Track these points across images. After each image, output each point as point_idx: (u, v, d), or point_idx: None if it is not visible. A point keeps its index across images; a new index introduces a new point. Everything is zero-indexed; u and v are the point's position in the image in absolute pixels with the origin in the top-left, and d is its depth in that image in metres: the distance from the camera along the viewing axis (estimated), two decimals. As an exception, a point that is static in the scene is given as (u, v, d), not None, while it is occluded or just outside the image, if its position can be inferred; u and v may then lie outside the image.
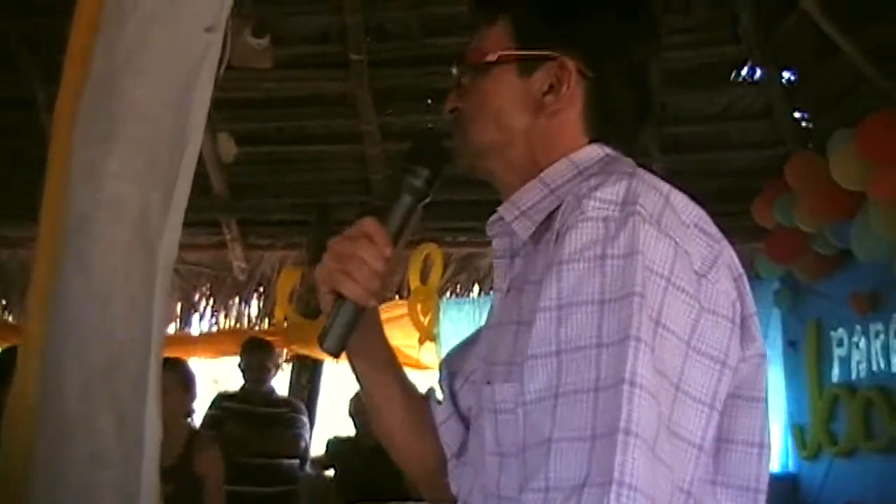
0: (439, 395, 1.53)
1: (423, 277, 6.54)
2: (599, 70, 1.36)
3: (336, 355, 1.41)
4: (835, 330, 6.57)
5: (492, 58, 1.38)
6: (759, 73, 7.06)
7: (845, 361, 6.48)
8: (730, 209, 7.10)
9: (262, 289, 7.92)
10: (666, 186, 1.24)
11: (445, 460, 1.49)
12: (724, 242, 1.26)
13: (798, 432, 6.97)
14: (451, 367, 1.51)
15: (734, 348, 1.20)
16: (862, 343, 6.26)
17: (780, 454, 7.30)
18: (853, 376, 6.39)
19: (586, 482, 1.06)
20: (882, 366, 6.06)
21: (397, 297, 7.50)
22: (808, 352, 6.82)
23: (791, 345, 7.12)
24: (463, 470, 1.42)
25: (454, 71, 1.44)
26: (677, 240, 1.18)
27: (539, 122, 1.36)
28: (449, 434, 1.47)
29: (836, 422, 6.57)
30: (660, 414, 1.10)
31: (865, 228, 5.35)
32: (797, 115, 7.15)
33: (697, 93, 7.14)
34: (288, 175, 7.52)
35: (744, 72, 7.16)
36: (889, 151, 4.90)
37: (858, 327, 6.28)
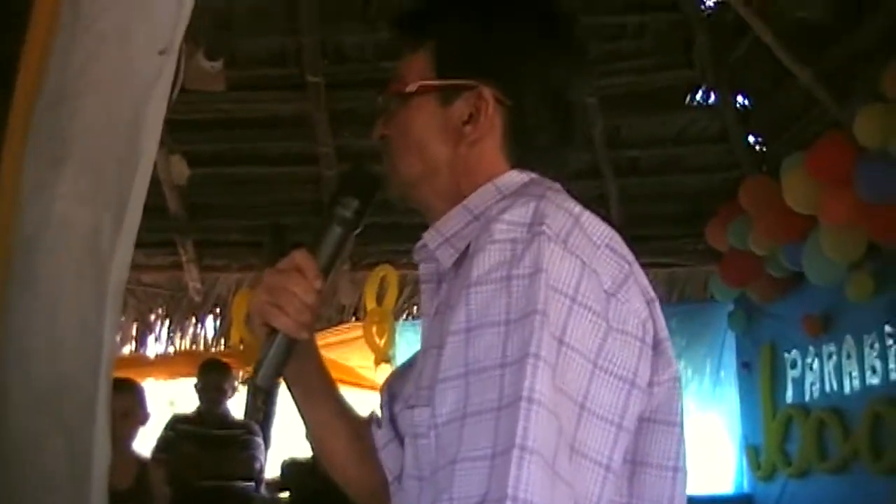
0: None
1: (379, 299, 6.53)
2: (517, 97, 1.36)
3: (268, 390, 1.42)
4: (788, 352, 6.65)
5: (412, 88, 1.39)
6: (713, 97, 7.14)
7: (799, 383, 6.55)
8: (684, 232, 7.20)
9: (217, 310, 7.86)
10: (577, 208, 1.24)
11: (387, 483, 1.49)
12: (636, 266, 1.26)
13: (753, 453, 7.03)
14: (391, 390, 1.50)
15: (644, 368, 1.20)
16: (815, 364, 6.34)
17: (735, 475, 7.35)
18: (807, 397, 6.46)
19: (484, 499, 1.07)
20: (835, 387, 6.14)
21: (354, 318, 7.49)
22: (762, 373, 6.89)
23: (745, 366, 7.19)
24: (403, 494, 1.42)
25: (379, 99, 1.45)
26: (585, 259, 1.18)
27: (460, 151, 1.36)
28: (390, 458, 1.45)
29: (790, 442, 6.63)
30: (559, 431, 1.10)
31: (817, 251, 5.41)
32: (751, 138, 7.24)
33: (651, 116, 7.22)
34: (244, 197, 7.48)
35: (698, 96, 7.24)
36: (838, 174, 4.96)
37: (811, 349, 6.36)
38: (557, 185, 1.34)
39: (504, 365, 1.11)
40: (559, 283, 1.15)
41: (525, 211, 1.20)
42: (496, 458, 1.08)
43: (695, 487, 7.40)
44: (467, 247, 1.28)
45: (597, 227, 1.23)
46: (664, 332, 1.25)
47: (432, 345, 1.26)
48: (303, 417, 1.56)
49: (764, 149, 7.22)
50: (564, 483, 1.10)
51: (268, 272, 1.41)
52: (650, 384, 1.21)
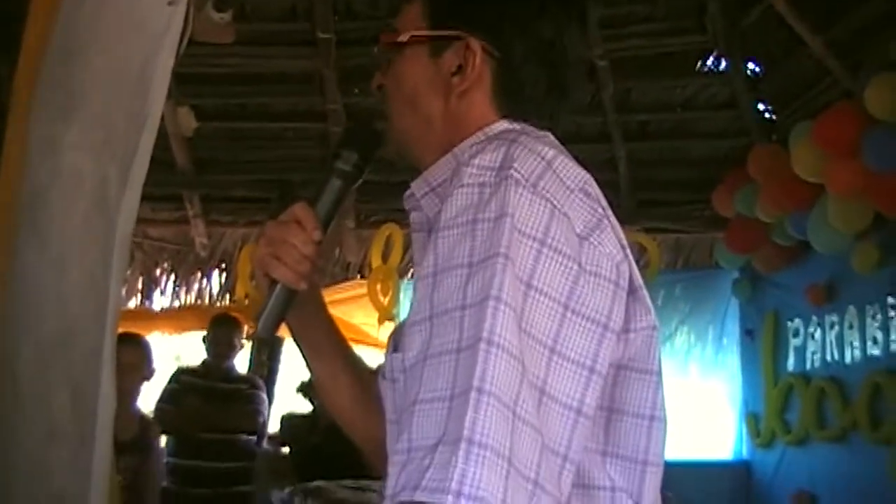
0: None
1: (385, 257, 6.54)
2: (506, 49, 1.36)
3: (269, 340, 1.43)
4: (791, 320, 6.65)
5: (403, 38, 1.40)
6: (724, 63, 7.10)
7: (800, 351, 6.56)
8: (691, 198, 7.19)
9: (223, 265, 7.88)
10: (550, 151, 1.24)
11: None
12: (610, 211, 1.26)
13: (752, 420, 7.06)
14: (394, 341, 1.50)
15: (618, 311, 1.20)
16: (817, 334, 6.35)
17: (734, 441, 7.39)
18: (808, 366, 6.48)
19: (440, 441, 1.06)
20: (836, 356, 6.15)
21: (359, 276, 7.50)
22: (764, 341, 6.90)
23: (748, 334, 7.20)
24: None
25: (375, 50, 1.46)
26: (556, 202, 1.18)
27: (451, 103, 1.37)
28: None
29: (790, 411, 6.65)
30: (522, 374, 1.09)
31: (823, 220, 5.41)
32: (761, 106, 7.20)
33: (662, 81, 7.17)
34: (252, 152, 7.48)
35: (709, 62, 7.20)
36: (846, 144, 4.95)
37: (814, 318, 6.37)
38: (538, 132, 1.34)
39: (464, 307, 1.11)
40: (526, 227, 1.15)
41: (495, 155, 1.20)
42: (454, 399, 1.07)
43: (694, 453, 7.47)
44: None
45: (570, 171, 1.23)
46: (640, 280, 1.25)
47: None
48: (310, 369, 1.58)
49: (774, 117, 7.19)
50: (530, 427, 1.09)
51: (268, 224, 1.43)
52: (626, 330, 1.21)
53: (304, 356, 1.57)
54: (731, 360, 7.46)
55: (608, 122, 7.09)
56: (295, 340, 1.55)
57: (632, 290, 1.23)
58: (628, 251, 1.25)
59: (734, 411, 7.41)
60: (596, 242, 1.19)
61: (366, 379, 1.56)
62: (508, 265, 1.12)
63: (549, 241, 1.16)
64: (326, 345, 1.56)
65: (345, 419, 1.60)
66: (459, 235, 1.16)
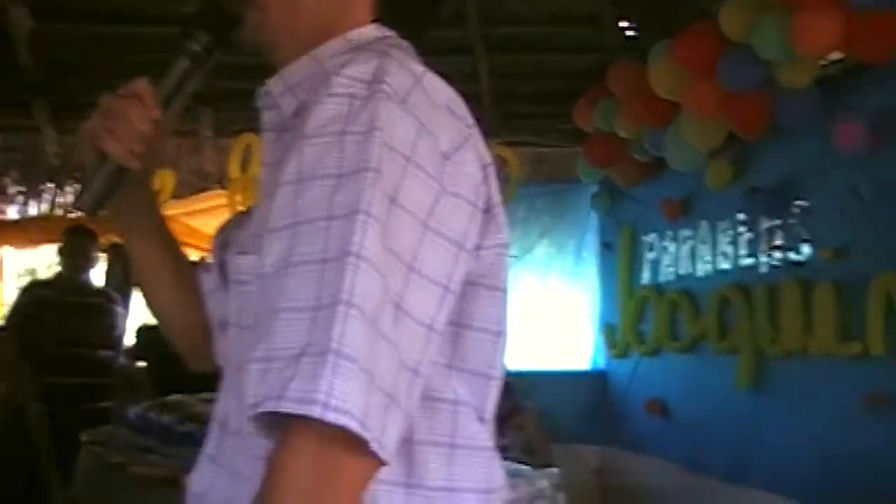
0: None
1: (244, 167, 6.43)
2: None
3: (90, 212, 1.38)
4: (647, 234, 6.83)
5: None
6: (588, -22, 7.11)
7: (655, 265, 6.75)
8: (553, 112, 7.24)
9: (77, 175, 7.63)
10: (420, 68, 1.22)
11: (210, 331, 1.49)
12: (475, 129, 1.25)
13: (609, 332, 7.26)
14: (223, 236, 1.48)
15: (473, 232, 1.21)
16: (671, 248, 6.53)
17: (591, 352, 7.59)
18: (661, 279, 6.67)
19: (304, 352, 1.05)
20: (688, 270, 6.34)
21: (218, 186, 7.37)
22: (621, 255, 7.07)
23: (607, 247, 7.36)
24: (226, 342, 1.41)
25: None
26: (423, 120, 1.17)
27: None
28: (216, 305, 1.45)
29: (644, 322, 6.86)
30: (385, 289, 1.09)
31: (679, 137, 5.52)
32: (623, 23, 7.26)
33: (527, -6, 7.16)
34: (106, 57, 7.20)
35: (574, -24, 7.20)
36: (703, 63, 5.03)
37: (669, 233, 6.54)
38: (405, 44, 1.33)
39: (331, 218, 1.10)
40: (395, 142, 1.13)
41: (367, 67, 1.18)
42: (319, 311, 1.06)
43: (552, 363, 7.65)
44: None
45: (438, 88, 1.22)
46: (497, 198, 1.25)
47: (267, 193, 1.24)
48: (134, 260, 1.55)
49: (636, 34, 7.26)
50: (388, 342, 1.09)
51: (105, 97, 1.38)
52: (477, 247, 1.22)
53: (125, 239, 1.54)
54: (591, 273, 7.63)
55: (470, 35, 7.05)
56: (119, 226, 1.52)
57: (487, 209, 1.23)
58: (490, 169, 1.24)
59: (592, 323, 7.60)
60: (459, 162, 1.19)
61: (186, 269, 1.55)
62: (378, 180, 1.11)
63: (415, 158, 1.14)
64: (149, 229, 1.54)
65: (163, 309, 1.59)
66: (327, 145, 1.13)
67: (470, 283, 1.23)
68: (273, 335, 1.07)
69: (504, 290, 1.28)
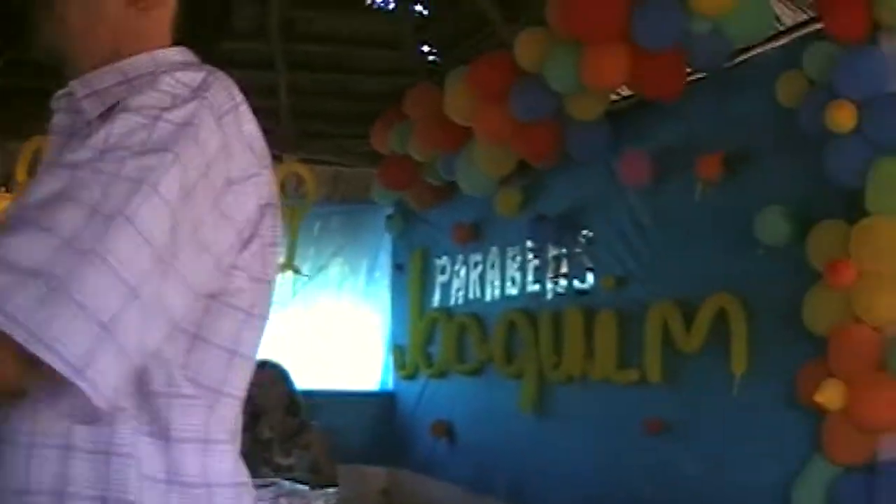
0: None
1: (31, 171, 6.20)
2: None
3: None
4: (439, 257, 6.88)
5: None
6: (392, 3, 7.16)
7: (446, 288, 6.81)
8: (352, 132, 7.24)
9: None
10: (240, 97, 1.27)
11: None
12: (267, 171, 1.29)
13: (398, 353, 7.27)
14: None
15: (232, 254, 1.24)
16: (462, 271, 6.60)
17: (381, 373, 7.59)
18: (451, 302, 6.73)
19: (42, 274, 1.05)
20: (477, 294, 6.42)
21: (3, 189, 7.07)
22: (412, 277, 7.10)
23: (399, 268, 7.39)
24: None
25: None
26: (227, 142, 1.22)
27: (130, 12, 1.32)
28: None
29: (433, 344, 6.90)
30: (151, 264, 1.11)
31: (471, 163, 5.59)
32: (426, 48, 7.34)
33: (330, 13, 7.12)
34: None
35: (378, 0, 7.24)
36: (496, 91, 5.12)
37: (460, 256, 6.61)
38: (222, 74, 1.34)
39: (117, 176, 1.12)
40: (201, 145, 1.18)
41: (196, 76, 1.23)
42: (72, 247, 1.07)
43: (343, 383, 7.57)
44: (112, 106, 1.24)
45: (247, 121, 1.27)
46: (272, 238, 1.30)
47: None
48: None
49: (438, 60, 7.34)
50: (140, 311, 1.10)
51: None
52: (233, 267, 1.24)
53: None
54: (383, 294, 7.63)
55: (272, 50, 6.97)
56: None
57: (251, 240, 1.26)
58: (271, 209, 1.30)
59: (383, 343, 7.60)
60: (240, 192, 1.23)
61: None
62: (175, 164, 1.14)
63: (210, 168, 1.19)
64: None
65: None
66: (140, 124, 1.16)
67: (214, 298, 1.24)
68: (15, 239, 1.07)
69: (259, 317, 1.30)
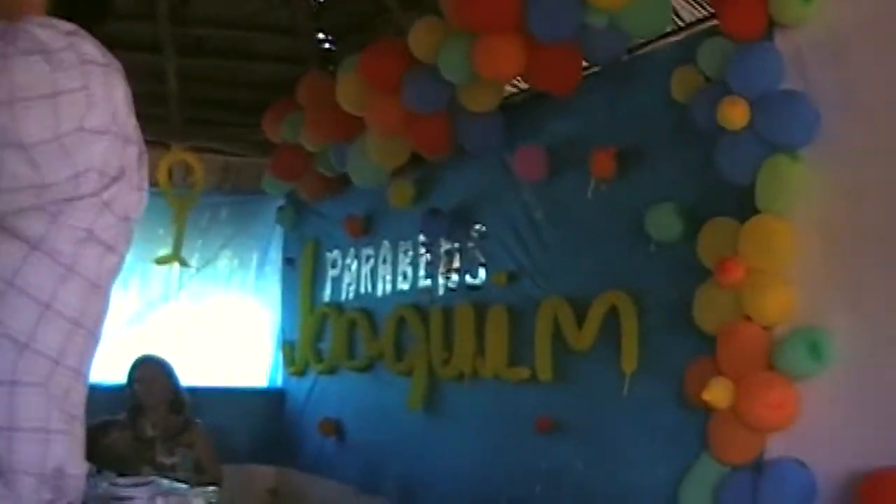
0: None
1: None
2: None
3: None
4: (331, 251, 6.73)
5: None
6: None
7: (337, 282, 6.66)
8: (243, 121, 7.04)
9: None
10: (106, 57, 1.39)
11: None
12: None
13: (288, 349, 7.10)
14: None
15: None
16: (354, 265, 6.46)
17: (270, 370, 7.41)
18: (343, 297, 6.58)
19: None
20: (369, 288, 6.29)
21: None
22: (303, 270, 6.94)
23: (289, 262, 7.21)
24: None
25: None
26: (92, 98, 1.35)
27: None
28: None
29: (323, 340, 6.75)
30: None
31: (363, 154, 5.46)
32: (321, 35, 7.17)
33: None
34: None
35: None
36: (388, 80, 4.99)
37: (352, 250, 6.47)
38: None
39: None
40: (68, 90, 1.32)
41: (65, 25, 1.34)
42: None
43: (230, 380, 7.38)
44: None
45: (119, 84, 1.41)
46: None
47: None
48: None
49: (333, 48, 7.18)
50: None
51: None
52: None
53: None
54: (273, 288, 7.45)
55: (160, 33, 6.72)
56: None
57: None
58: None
59: (272, 339, 7.42)
60: (86, 139, 1.36)
61: None
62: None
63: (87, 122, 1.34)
64: None
65: None
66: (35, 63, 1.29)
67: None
68: None
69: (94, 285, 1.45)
